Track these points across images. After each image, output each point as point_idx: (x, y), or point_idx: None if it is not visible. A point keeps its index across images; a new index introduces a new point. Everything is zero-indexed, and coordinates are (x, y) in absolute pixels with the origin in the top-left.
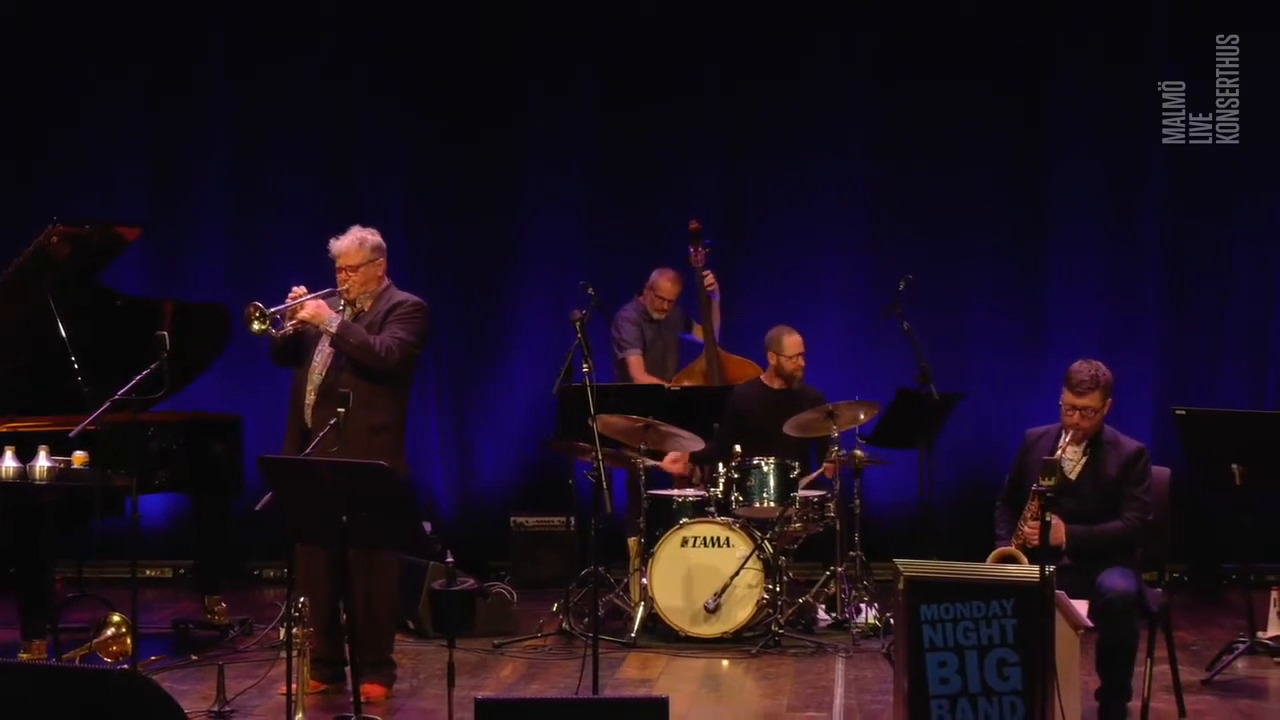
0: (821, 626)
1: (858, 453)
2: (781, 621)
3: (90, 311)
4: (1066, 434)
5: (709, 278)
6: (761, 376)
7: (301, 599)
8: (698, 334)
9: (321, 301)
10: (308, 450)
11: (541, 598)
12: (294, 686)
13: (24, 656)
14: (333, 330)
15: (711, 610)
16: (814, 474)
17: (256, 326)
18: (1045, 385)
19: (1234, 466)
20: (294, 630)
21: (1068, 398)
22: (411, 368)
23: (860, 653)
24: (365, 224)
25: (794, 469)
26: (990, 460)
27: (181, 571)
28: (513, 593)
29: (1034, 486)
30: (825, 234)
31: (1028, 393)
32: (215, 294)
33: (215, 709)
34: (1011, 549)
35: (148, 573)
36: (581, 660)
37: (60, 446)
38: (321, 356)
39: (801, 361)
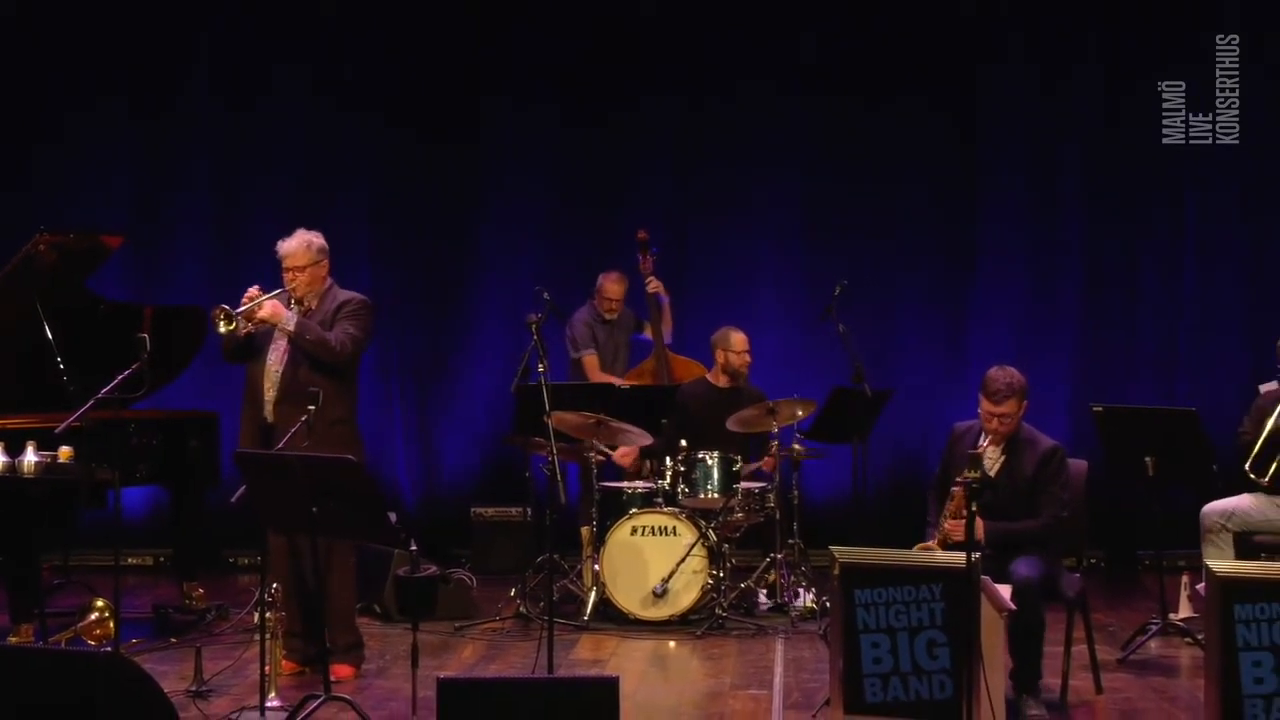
0: (762, 610)
1: (796, 447)
2: (725, 605)
3: (75, 315)
4: (986, 436)
5: (653, 283)
6: (707, 375)
7: (274, 585)
8: (648, 333)
9: (277, 302)
10: (279, 446)
11: (500, 583)
12: (267, 667)
13: (12, 640)
14: (290, 329)
15: (659, 595)
16: (753, 466)
17: (224, 327)
18: (968, 384)
19: (1147, 459)
20: (267, 614)
21: (986, 406)
22: (358, 363)
23: (799, 634)
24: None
25: (736, 462)
26: (919, 454)
27: (161, 559)
28: (473, 579)
29: (957, 479)
30: (765, 242)
31: (952, 391)
32: (195, 298)
33: (193, 688)
34: (932, 545)
35: (129, 560)
36: (538, 642)
37: (47, 442)
38: (277, 353)
39: (748, 357)
